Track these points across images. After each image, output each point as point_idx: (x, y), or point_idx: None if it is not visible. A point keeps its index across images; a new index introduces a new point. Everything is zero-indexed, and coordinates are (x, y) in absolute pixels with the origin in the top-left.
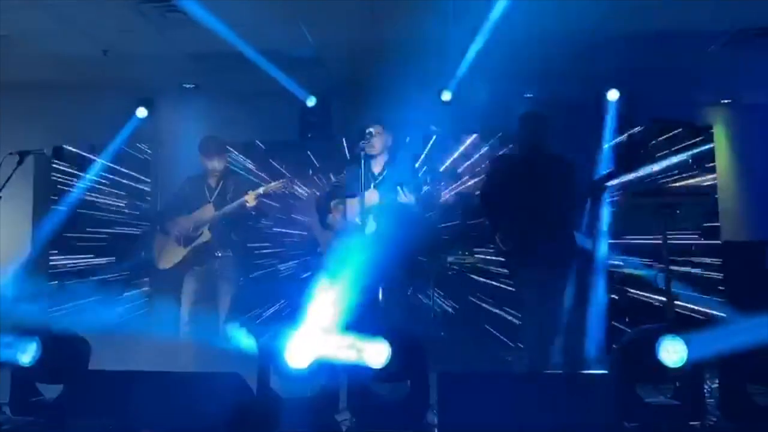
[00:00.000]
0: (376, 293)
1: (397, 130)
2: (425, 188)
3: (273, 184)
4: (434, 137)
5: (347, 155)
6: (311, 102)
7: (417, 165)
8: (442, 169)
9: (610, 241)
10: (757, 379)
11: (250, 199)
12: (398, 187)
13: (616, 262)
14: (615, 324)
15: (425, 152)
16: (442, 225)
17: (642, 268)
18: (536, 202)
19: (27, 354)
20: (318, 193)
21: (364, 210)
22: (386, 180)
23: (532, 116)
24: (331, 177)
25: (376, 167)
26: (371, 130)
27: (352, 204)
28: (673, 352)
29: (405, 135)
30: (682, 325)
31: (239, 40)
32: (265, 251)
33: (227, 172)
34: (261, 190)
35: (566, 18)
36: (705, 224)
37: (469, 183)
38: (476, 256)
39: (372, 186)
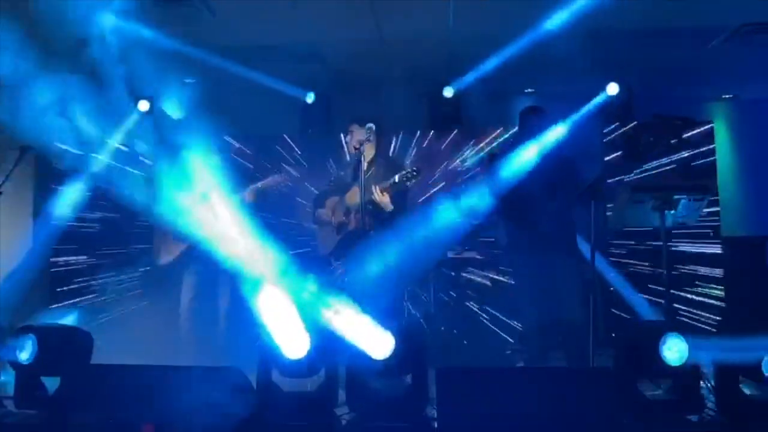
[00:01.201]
0: (368, 288)
1: (387, 128)
2: (403, 187)
3: (270, 179)
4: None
5: (346, 151)
6: (310, 99)
7: (400, 164)
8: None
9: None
10: (751, 374)
11: (247, 195)
12: (373, 186)
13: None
14: (615, 319)
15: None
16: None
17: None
18: (537, 197)
19: (25, 352)
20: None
21: (348, 207)
22: (371, 178)
23: (531, 111)
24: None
25: (365, 164)
26: (355, 130)
27: (344, 200)
28: (675, 350)
29: (396, 132)
30: (685, 323)
31: (240, 36)
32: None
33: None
34: (259, 185)
35: (566, 13)
36: (705, 220)
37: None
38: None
39: (358, 183)
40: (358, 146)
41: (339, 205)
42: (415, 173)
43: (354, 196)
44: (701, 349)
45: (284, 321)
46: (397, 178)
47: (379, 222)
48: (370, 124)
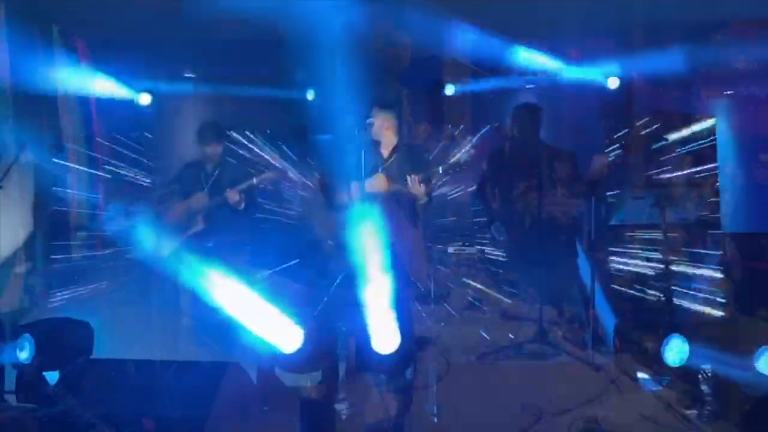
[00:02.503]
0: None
1: (403, 116)
2: (433, 179)
3: (263, 176)
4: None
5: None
6: (311, 95)
7: (424, 152)
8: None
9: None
10: (747, 371)
11: (231, 195)
12: (408, 176)
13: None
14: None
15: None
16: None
17: None
18: (531, 193)
19: (24, 351)
20: (320, 177)
21: (368, 193)
22: (394, 165)
23: (525, 108)
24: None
25: (385, 151)
26: (377, 116)
27: (356, 187)
28: (676, 351)
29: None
30: (685, 321)
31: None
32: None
33: (225, 158)
34: (246, 184)
35: (567, 9)
36: (705, 216)
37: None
38: (476, 246)
39: (380, 170)
40: (370, 134)
41: (357, 191)
42: (459, 166)
43: (378, 184)
44: (701, 351)
45: (267, 317)
46: (441, 168)
47: (407, 211)
48: (370, 120)
